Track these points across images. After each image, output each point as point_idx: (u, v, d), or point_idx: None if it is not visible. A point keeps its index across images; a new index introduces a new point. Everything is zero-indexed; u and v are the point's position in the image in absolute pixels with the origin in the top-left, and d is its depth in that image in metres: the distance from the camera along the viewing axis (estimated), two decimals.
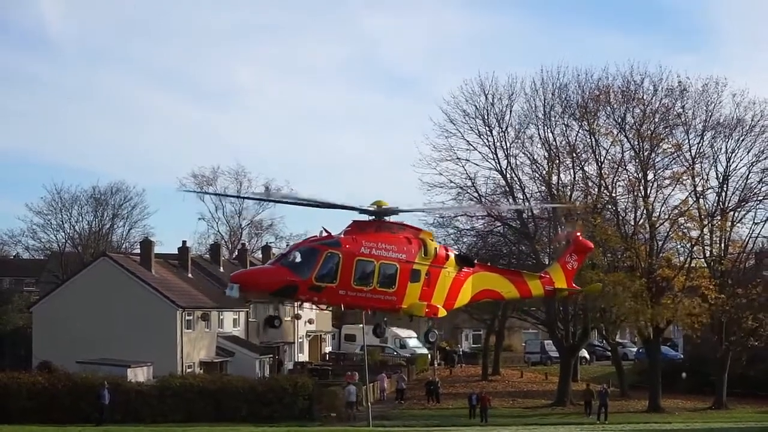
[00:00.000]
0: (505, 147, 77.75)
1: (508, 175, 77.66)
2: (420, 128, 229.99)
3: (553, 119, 77.42)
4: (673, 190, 75.02)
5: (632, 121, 75.15)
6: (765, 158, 75.33)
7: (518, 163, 78.32)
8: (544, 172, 77.11)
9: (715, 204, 76.16)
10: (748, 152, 75.41)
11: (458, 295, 37.04)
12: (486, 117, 77.72)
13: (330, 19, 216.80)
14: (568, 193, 76.05)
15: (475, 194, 77.64)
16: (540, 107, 77.34)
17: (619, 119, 75.25)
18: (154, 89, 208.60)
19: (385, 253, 33.70)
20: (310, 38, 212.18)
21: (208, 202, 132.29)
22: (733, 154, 75.42)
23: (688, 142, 75.17)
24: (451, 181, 77.10)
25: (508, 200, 78.97)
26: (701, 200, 75.71)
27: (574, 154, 76.34)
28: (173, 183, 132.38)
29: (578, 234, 44.05)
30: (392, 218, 35.00)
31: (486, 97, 77.61)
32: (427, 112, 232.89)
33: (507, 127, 77.90)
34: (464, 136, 77.83)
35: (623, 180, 75.83)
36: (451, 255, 36.81)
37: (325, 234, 33.46)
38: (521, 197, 78.49)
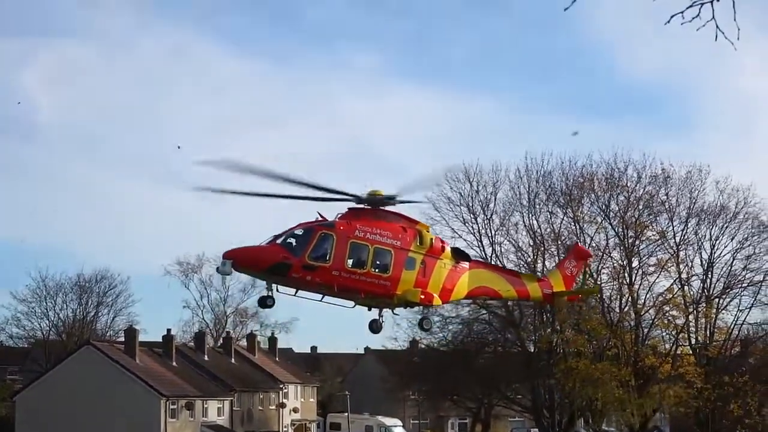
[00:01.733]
0: (490, 234, 78.03)
1: (492, 263, 77.72)
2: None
3: (537, 206, 77.81)
4: (658, 277, 75.21)
5: (616, 209, 75.54)
6: (749, 245, 75.63)
7: (503, 250, 78.58)
8: (529, 259, 77.26)
9: (700, 291, 76.26)
10: (732, 239, 75.79)
11: (454, 287, 36.62)
12: (471, 204, 78.09)
13: (313, 107, 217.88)
14: None
15: None
16: (524, 194, 77.80)
17: (604, 206, 75.65)
18: (140, 177, 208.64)
19: (380, 238, 33.79)
20: (293, 126, 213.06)
21: (193, 290, 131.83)
22: (718, 241, 75.78)
23: (673, 229, 75.52)
24: None
25: None
26: (686, 287, 75.81)
27: (559, 242, 76.52)
28: (158, 270, 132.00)
29: (577, 242, 43.93)
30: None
31: (471, 185, 78.03)
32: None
33: (492, 215, 78.29)
34: (449, 224, 78.02)
35: (608, 267, 75.96)
36: (448, 248, 36.63)
37: (320, 218, 33.69)
38: None
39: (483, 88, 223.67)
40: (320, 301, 34.75)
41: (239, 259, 32.40)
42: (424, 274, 34.84)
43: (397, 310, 37.19)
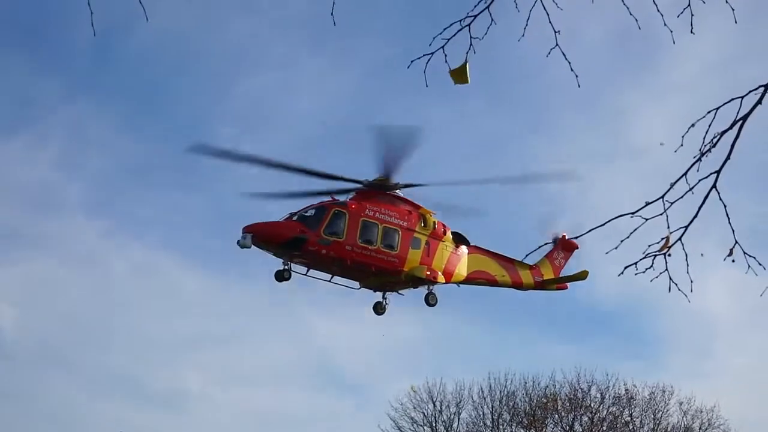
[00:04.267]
0: None
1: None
2: None
3: (501, 427, 76.98)
4: None
5: (580, 429, 74.90)
6: None
7: None
8: None
9: None
10: None
11: (455, 269, 38.65)
12: (434, 424, 77.24)
13: (278, 322, 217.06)
14: None
15: None
16: (488, 414, 77.07)
17: (567, 427, 75.02)
18: (99, 393, 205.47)
19: (388, 218, 36.25)
20: (257, 342, 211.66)
21: None
22: None
23: None
24: None
25: None
26: None
27: None
28: None
29: (564, 234, 44.89)
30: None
31: (434, 404, 77.44)
32: (375, 418, 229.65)
33: None
34: None
35: None
36: (449, 232, 38.41)
37: (332, 199, 36.07)
38: None
39: (449, 305, 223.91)
40: (329, 281, 36.55)
41: (259, 233, 34.37)
42: (428, 254, 37.15)
43: (402, 291, 38.51)
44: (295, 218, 35.23)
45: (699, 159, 10.61)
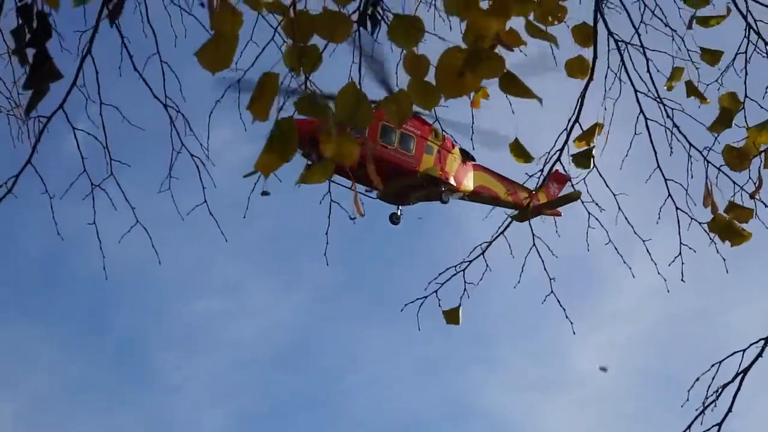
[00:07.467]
0: None
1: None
2: None
3: None
4: None
5: None
6: None
7: None
8: None
9: None
10: None
11: (464, 179, 40.73)
12: None
13: None
14: None
15: None
16: None
17: None
18: None
19: (404, 125, 38.44)
20: None
21: None
22: None
23: None
24: None
25: None
26: None
27: None
28: None
29: (557, 169, 46.57)
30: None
31: None
32: None
33: None
34: None
35: None
36: (457, 147, 40.03)
37: None
38: None
39: None
40: (350, 189, 36.92)
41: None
42: (440, 161, 39.18)
43: (416, 202, 39.55)
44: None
45: (702, 412, 10.52)
